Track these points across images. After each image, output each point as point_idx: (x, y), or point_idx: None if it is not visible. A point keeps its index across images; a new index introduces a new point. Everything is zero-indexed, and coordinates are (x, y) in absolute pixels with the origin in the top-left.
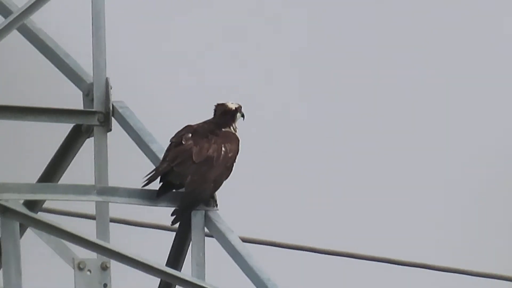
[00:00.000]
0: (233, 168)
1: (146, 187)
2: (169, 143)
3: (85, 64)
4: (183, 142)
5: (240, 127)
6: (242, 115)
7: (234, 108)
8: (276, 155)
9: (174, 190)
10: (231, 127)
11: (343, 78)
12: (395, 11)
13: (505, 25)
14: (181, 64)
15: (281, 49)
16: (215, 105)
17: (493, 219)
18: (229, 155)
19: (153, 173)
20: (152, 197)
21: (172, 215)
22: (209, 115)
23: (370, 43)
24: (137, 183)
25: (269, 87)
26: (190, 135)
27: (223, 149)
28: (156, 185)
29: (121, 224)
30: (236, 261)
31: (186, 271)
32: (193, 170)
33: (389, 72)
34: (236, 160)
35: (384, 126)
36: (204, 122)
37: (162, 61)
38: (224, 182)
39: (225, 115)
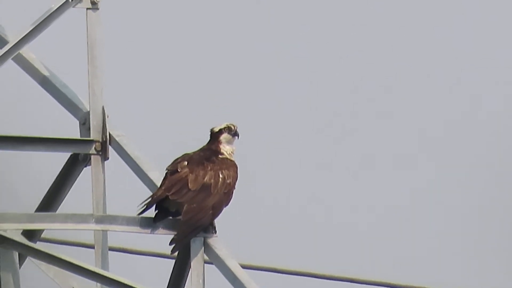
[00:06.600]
0: (233, 194)
1: (145, 215)
2: (165, 171)
3: (81, 93)
4: (179, 170)
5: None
6: (236, 134)
7: (217, 130)
8: (275, 182)
9: (170, 218)
10: (225, 152)
11: None
12: None
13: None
14: (181, 91)
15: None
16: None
17: None
18: (228, 181)
19: (148, 200)
20: (151, 225)
21: (170, 244)
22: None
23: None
24: (136, 212)
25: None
26: (186, 163)
27: (220, 175)
28: (153, 213)
29: (120, 252)
30: None
31: None
32: (189, 197)
33: None
34: (235, 187)
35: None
36: (201, 150)
37: (158, 89)
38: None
39: (211, 139)
